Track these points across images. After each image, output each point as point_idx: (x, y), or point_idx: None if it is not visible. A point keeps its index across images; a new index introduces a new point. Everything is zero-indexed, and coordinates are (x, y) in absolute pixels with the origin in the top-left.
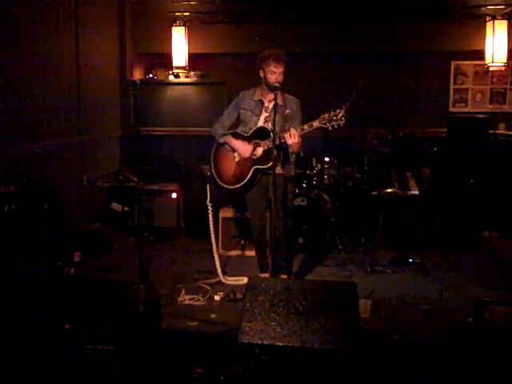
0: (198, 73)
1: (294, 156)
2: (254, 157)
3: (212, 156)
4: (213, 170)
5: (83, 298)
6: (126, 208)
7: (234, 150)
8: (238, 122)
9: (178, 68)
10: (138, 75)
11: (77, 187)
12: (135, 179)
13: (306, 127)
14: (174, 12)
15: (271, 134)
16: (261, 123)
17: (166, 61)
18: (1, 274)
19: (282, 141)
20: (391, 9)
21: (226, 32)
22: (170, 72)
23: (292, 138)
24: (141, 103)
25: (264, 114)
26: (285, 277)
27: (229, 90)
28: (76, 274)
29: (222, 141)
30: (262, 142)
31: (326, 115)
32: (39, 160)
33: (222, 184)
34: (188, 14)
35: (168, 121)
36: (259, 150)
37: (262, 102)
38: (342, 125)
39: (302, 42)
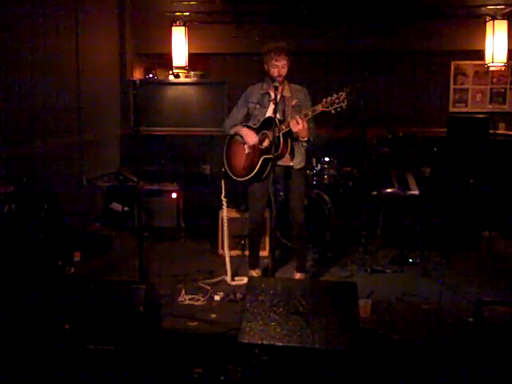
0: (198, 73)
1: (304, 144)
2: (261, 147)
3: (224, 151)
4: (225, 165)
5: (83, 297)
6: (125, 208)
7: (244, 143)
8: (248, 116)
9: (177, 68)
10: (137, 75)
11: (77, 187)
12: (135, 179)
13: (309, 112)
14: (174, 12)
15: (277, 122)
16: (268, 115)
17: (166, 61)
18: (1, 274)
19: (287, 128)
20: (391, 9)
21: (225, 32)
22: (170, 72)
23: (297, 125)
24: (141, 103)
25: (271, 106)
26: (299, 275)
27: (229, 90)
28: (76, 274)
29: (232, 132)
30: (269, 133)
31: (329, 98)
32: (39, 160)
33: (233, 177)
34: (188, 13)
35: (168, 121)
36: (267, 141)
37: (268, 94)
38: (344, 107)
39: (302, 42)
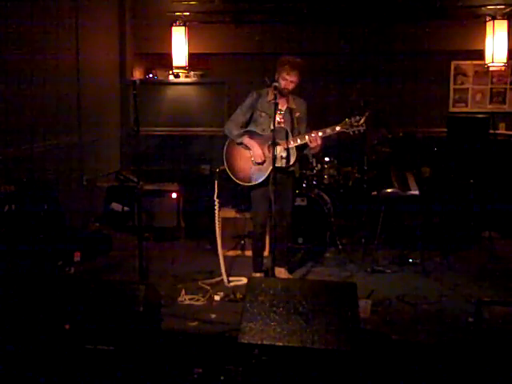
0: (198, 73)
1: (311, 156)
2: (270, 155)
3: (225, 153)
4: (226, 167)
5: (83, 297)
6: (125, 208)
7: (249, 149)
8: (250, 120)
9: (178, 68)
10: (138, 75)
11: (77, 187)
12: (135, 179)
13: (328, 130)
14: (174, 12)
15: (289, 134)
16: (276, 125)
17: (166, 61)
18: (1, 273)
19: (302, 142)
20: (391, 9)
21: (225, 32)
22: (170, 72)
23: (314, 142)
24: (141, 103)
25: (278, 116)
26: (282, 269)
27: (229, 90)
28: (76, 273)
29: (239, 141)
30: (281, 142)
31: (348, 120)
32: (39, 160)
33: (237, 181)
34: (188, 13)
35: (168, 121)
36: (277, 149)
37: (276, 104)
38: (362, 131)
39: (302, 42)
